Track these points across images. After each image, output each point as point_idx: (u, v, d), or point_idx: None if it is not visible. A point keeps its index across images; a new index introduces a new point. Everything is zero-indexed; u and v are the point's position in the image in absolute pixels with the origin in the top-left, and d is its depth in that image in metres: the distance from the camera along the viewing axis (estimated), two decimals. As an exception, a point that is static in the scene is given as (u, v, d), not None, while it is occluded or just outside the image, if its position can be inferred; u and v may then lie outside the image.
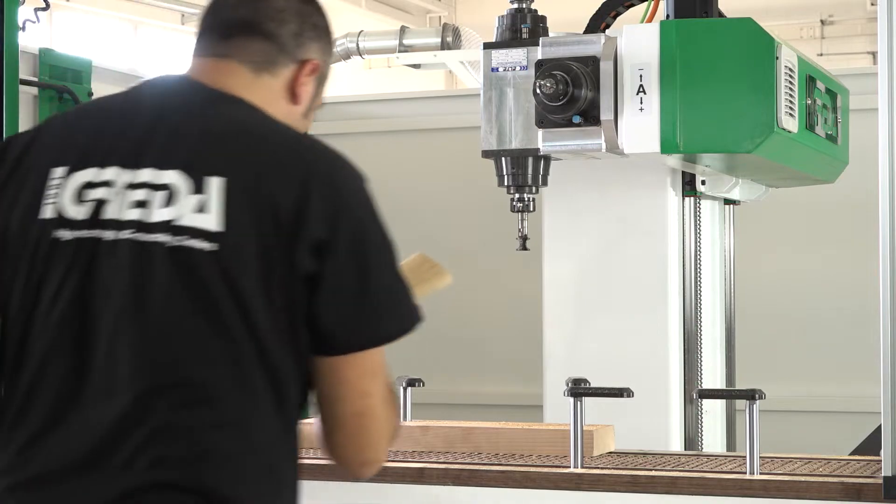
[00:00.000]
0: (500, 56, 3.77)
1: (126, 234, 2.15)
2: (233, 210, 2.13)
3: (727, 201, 4.30)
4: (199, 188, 2.15)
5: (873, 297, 3.05)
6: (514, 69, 3.75)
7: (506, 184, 3.81)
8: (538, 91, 3.59)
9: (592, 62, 3.60)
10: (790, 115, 3.62)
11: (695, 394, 3.15)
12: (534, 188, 3.81)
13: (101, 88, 5.03)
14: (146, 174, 2.18)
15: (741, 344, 4.40)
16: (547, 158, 3.80)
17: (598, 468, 3.31)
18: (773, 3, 14.26)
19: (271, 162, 2.18)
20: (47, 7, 4.26)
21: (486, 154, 3.79)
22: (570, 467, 3.30)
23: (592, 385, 3.32)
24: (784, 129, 3.59)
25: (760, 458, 3.21)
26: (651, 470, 3.27)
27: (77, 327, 2.15)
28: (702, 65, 3.57)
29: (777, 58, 3.56)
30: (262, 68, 2.31)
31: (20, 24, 4.09)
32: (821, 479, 3.12)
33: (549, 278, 4.05)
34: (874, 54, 11.53)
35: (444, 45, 6.88)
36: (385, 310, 2.19)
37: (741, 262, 4.40)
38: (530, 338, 4.31)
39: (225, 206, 2.13)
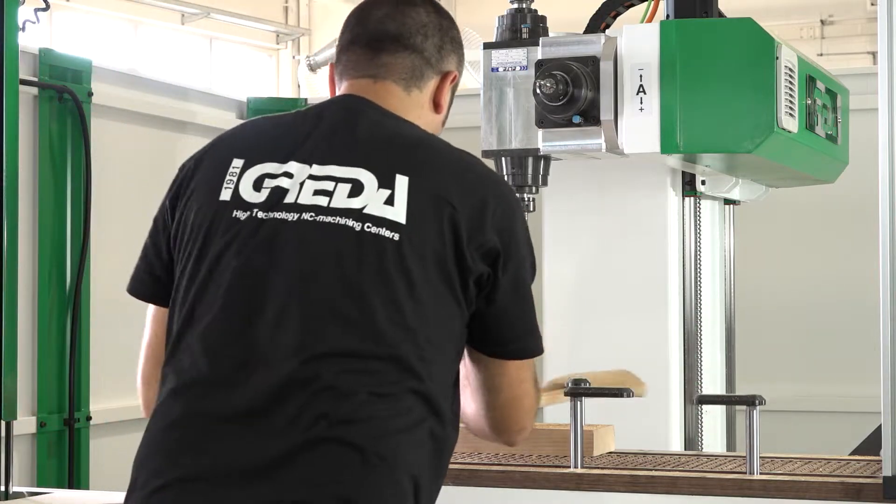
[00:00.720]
0: (500, 56, 3.78)
1: (307, 216, 2.30)
2: (415, 206, 2.30)
3: (727, 201, 4.30)
4: (387, 184, 2.31)
5: (873, 297, 3.05)
6: (514, 69, 3.75)
7: (506, 184, 3.81)
8: (538, 91, 3.59)
9: (592, 62, 3.60)
10: (790, 115, 3.62)
11: (694, 399, 3.16)
12: (534, 188, 3.81)
13: (101, 88, 5.03)
14: (331, 169, 2.33)
15: (741, 344, 4.40)
16: (547, 158, 3.80)
17: (598, 468, 3.31)
18: (773, 3, 14.26)
19: (448, 171, 2.37)
20: (47, 7, 4.25)
21: (486, 154, 3.79)
22: (570, 467, 3.30)
23: (592, 385, 3.32)
24: (784, 129, 3.59)
25: (760, 458, 3.21)
26: (651, 470, 3.27)
27: (245, 298, 2.27)
28: (702, 65, 3.57)
29: (777, 58, 3.56)
30: (411, 84, 2.49)
31: (20, 25, 4.09)
32: (821, 479, 3.12)
33: (549, 278, 4.05)
34: (874, 54, 11.52)
35: (444, 45, 6.87)
36: (535, 326, 2.45)
37: (741, 262, 4.40)
38: (530, 338, 4.30)
39: (408, 202, 2.30)
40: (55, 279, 4.81)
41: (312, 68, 8.23)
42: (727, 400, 3.06)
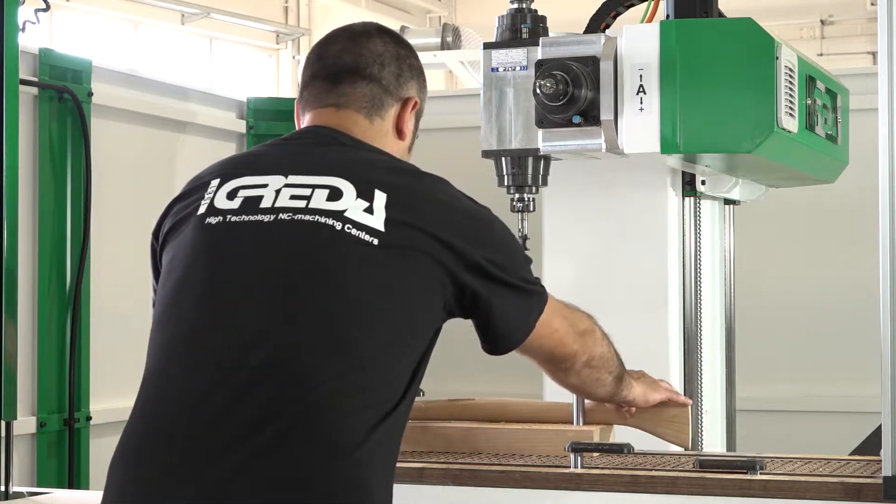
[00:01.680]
0: (500, 56, 3.77)
1: (284, 216, 2.33)
2: (392, 218, 2.34)
3: (727, 201, 4.30)
4: (365, 196, 2.36)
5: (873, 297, 3.05)
6: (514, 69, 3.75)
7: (506, 184, 3.81)
8: (538, 91, 3.59)
9: (592, 62, 3.60)
10: (790, 115, 3.62)
11: (695, 462, 3.20)
12: (534, 188, 3.81)
13: (101, 88, 5.03)
14: (309, 179, 2.38)
15: (741, 344, 4.40)
16: (547, 158, 3.80)
17: (598, 468, 3.31)
18: (773, 3, 14.27)
19: (422, 191, 2.44)
20: (48, 8, 4.25)
21: (486, 154, 3.79)
22: (570, 467, 3.30)
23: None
24: (784, 129, 3.59)
25: (760, 457, 3.21)
26: (651, 470, 3.27)
27: (222, 300, 2.31)
28: (702, 65, 3.57)
29: (777, 58, 3.56)
30: (373, 113, 2.57)
31: (20, 26, 4.09)
32: (821, 479, 3.12)
33: (549, 278, 4.04)
34: (874, 54, 11.52)
35: (444, 45, 6.88)
36: (528, 297, 2.61)
37: (741, 262, 4.40)
38: (530, 338, 4.30)
39: (386, 215, 2.34)
40: (55, 279, 4.81)
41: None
42: (728, 463, 3.08)
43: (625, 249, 3.99)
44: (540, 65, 3.63)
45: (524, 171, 3.78)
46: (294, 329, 2.26)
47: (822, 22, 16.10)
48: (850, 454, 3.91)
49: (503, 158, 3.78)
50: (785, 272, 5.72)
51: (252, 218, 2.33)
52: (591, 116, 3.60)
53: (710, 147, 3.64)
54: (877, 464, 3.16)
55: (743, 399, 4.43)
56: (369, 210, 2.33)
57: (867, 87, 3.65)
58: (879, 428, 3.02)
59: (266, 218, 2.32)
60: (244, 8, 16.40)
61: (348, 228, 2.30)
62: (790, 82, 3.63)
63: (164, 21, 15.60)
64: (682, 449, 3.52)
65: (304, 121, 2.62)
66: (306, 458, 2.20)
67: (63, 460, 4.82)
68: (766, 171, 4.11)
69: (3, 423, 4.05)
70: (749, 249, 5.15)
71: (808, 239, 5.69)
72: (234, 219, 2.34)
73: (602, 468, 3.31)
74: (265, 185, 2.37)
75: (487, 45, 3.81)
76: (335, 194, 2.34)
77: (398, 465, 3.36)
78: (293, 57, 16.81)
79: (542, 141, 3.69)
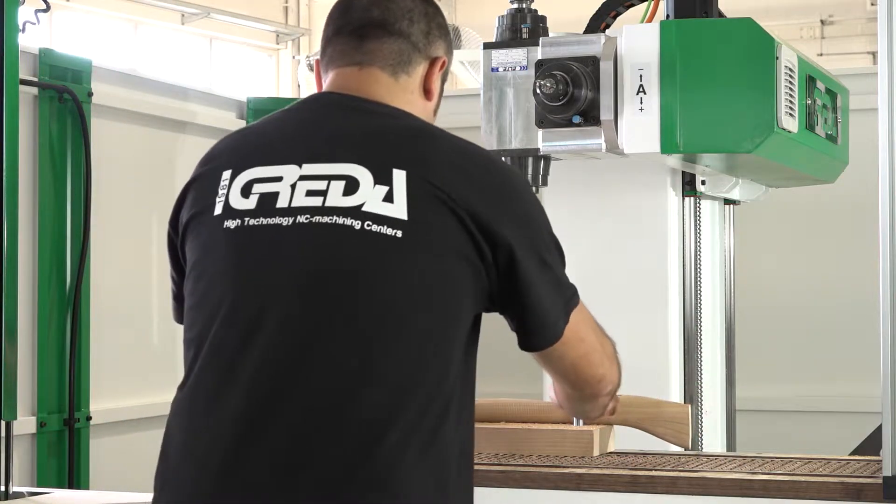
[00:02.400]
0: (500, 56, 3.77)
1: (302, 219, 2.24)
2: (415, 201, 2.23)
3: (727, 201, 4.30)
4: (384, 179, 2.24)
5: (873, 297, 3.05)
6: (514, 69, 3.75)
7: (506, 184, 3.81)
8: (538, 91, 3.59)
9: (592, 62, 3.60)
10: (790, 115, 3.62)
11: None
12: (534, 188, 3.81)
13: (101, 88, 5.03)
14: (322, 167, 2.27)
15: (741, 344, 4.40)
16: (547, 158, 3.80)
17: (598, 468, 3.31)
18: (773, 3, 14.27)
19: (449, 162, 2.29)
20: (48, 8, 4.25)
21: (486, 154, 3.78)
22: (569, 467, 3.30)
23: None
24: (784, 129, 3.59)
25: (760, 458, 3.21)
26: (651, 470, 3.27)
27: (243, 310, 2.23)
28: (702, 65, 3.57)
29: (777, 58, 3.56)
30: (399, 69, 2.42)
31: (20, 26, 4.09)
32: (821, 479, 3.12)
33: (549, 278, 4.04)
34: (874, 54, 11.52)
35: (445, 45, 6.87)
36: (563, 295, 2.40)
37: (741, 262, 4.40)
38: (530, 338, 4.30)
39: (408, 197, 2.23)
40: (55, 279, 4.81)
41: (312, 68, 8.24)
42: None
43: (625, 249, 3.99)
44: (540, 65, 3.63)
45: (524, 171, 3.78)
46: (325, 348, 2.19)
47: (822, 22, 16.09)
48: (850, 454, 3.92)
49: (503, 158, 3.78)
50: (785, 272, 5.72)
51: (270, 221, 2.26)
52: (591, 116, 3.60)
53: (710, 147, 3.64)
54: (877, 464, 3.16)
55: (743, 399, 4.43)
56: (389, 197, 2.23)
57: (867, 87, 3.65)
58: (879, 428, 3.02)
59: (284, 221, 2.25)
60: (244, 8, 16.39)
61: (368, 225, 2.22)
62: (790, 82, 3.63)
63: (164, 21, 15.59)
64: (682, 449, 3.52)
65: (325, 80, 2.50)
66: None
67: (63, 460, 4.82)
68: (766, 171, 4.11)
69: (3, 423, 4.05)
70: (749, 249, 5.15)
71: (808, 239, 5.69)
72: (252, 222, 2.27)
73: (602, 468, 3.31)
74: (279, 179, 2.29)
75: (487, 45, 3.81)
76: (352, 186, 2.25)
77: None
78: (293, 57, 16.80)
79: (542, 141, 3.69)
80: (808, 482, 3.10)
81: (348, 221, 2.23)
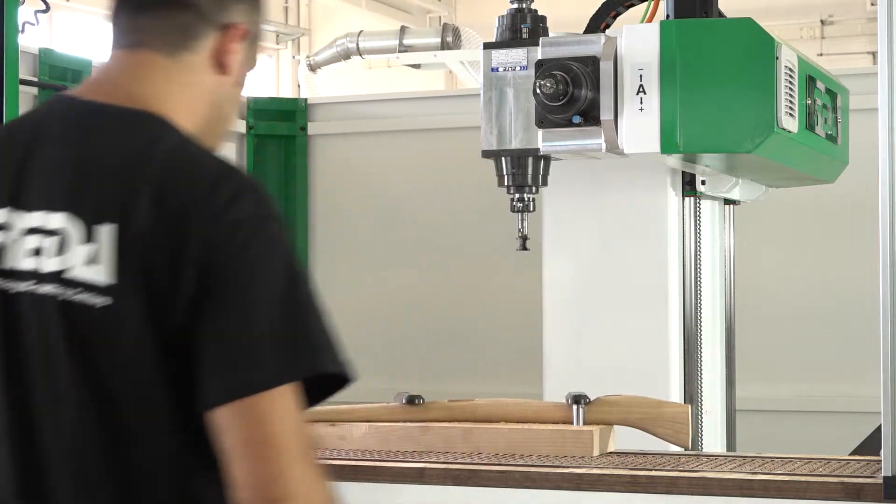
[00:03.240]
0: (500, 56, 3.77)
1: (24, 287, 1.95)
2: (125, 259, 1.89)
3: (727, 201, 4.30)
4: (90, 234, 1.91)
5: (873, 297, 3.05)
6: (514, 69, 3.75)
7: (506, 184, 3.82)
8: (538, 91, 3.59)
9: (592, 62, 3.60)
10: (790, 115, 3.62)
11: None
12: (534, 188, 3.81)
13: (101, 89, 5.03)
14: (37, 218, 1.96)
15: (741, 344, 4.40)
16: (547, 158, 3.80)
17: (598, 468, 3.31)
18: (773, 3, 14.27)
19: (162, 198, 1.90)
20: (47, 9, 4.25)
21: (486, 154, 3.79)
22: (569, 467, 3.30)
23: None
24: (784, 129, 3.59)
25: (760, 458, 3.21)
26: (651, 470, 3.27)
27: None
28: (702, 65, 3.57)
29: (777, 58, 3.56)
30: (179, 47, 2.05)
31: (19, 27, 4.09)
32: (821, 479, 3.12)
33: (549, 278, 4.04)
34: (874, 54, 11.52)
35: (444, 45, 6.87)
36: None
37: (741, 262, 4.40)
38: (530, 338, 4.31)
39: (117, 255, 1.89)
40: None
41: (312, 68, 8.23)
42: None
43: (625, 249, 3.99)
44: (540, 65, 3.63)
45: (524, 171, 3.78)
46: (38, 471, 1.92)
47: (822, 22, 16.10)
48: (850, 454, 3.92)
49: (503, 158, 3.78)
50: (785, 272, 5.71)
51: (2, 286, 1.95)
52: (591, 116, 3.60)
53: (710, 147, 3.64)
54: (877, 464, 3.16)
55: (743, 399, 4.43)
56: (94, 257, 1.88)
57: (867, 87, 3.65)
58: (879, 428, 3.02)
59: (13, 286, 1.94)
60: (244, 8, 16.38)
61: (70, 295, 1.89)
62: (790, 82, 3.63)
63: (164, 21, 15.58)
64: (682, 449, 3.52)
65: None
66: None
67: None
68: (766, 171, 4.11)
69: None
70: (749, 249, 5.15)
71: (807, 239, 5.69)
72: None
73: (602, 468, 3.31)
74: (5, 228, 1.97)
75: (487, 45, 3.81)
76: (63, 244, 1.92)
77: (398, 465, 3.37)
78: (293, 57, 16.79)
79: (542, 141, 3.69)
80: (809, 482, 3.10)
81: (52, 291, 1.93)
